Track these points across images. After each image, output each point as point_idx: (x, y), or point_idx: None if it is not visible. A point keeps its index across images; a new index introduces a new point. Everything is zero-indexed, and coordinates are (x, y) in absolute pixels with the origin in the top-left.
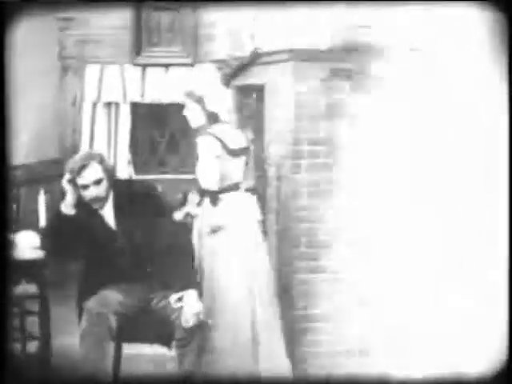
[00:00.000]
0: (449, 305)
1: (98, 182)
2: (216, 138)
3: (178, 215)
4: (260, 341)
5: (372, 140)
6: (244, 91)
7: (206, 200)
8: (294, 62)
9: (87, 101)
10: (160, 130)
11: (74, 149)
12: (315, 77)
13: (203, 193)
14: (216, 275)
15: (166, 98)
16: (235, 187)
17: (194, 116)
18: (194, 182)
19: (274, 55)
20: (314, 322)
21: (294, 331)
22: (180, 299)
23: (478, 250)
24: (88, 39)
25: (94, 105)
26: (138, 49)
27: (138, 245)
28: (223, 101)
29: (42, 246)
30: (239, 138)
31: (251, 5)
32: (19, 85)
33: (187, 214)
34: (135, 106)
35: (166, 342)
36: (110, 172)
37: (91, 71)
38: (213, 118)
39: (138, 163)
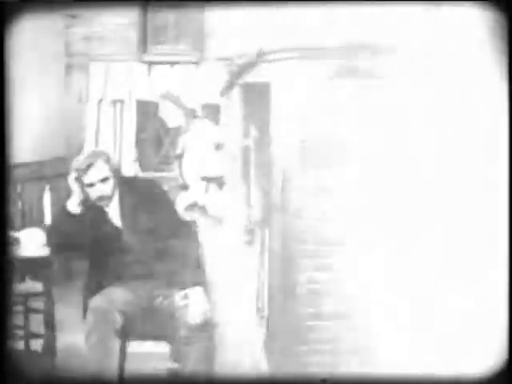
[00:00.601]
0: (449, 305)
1: (104, 181)
2: (202, 131)
3: (182, 205)
4: None
5: (375, 139)
6: (250, 89)
7: (213, 186)
8: (299, 60)
9: (93, 98)
10: (165, 128)
11: (80, 146)
12: (321, 75)
13: (209, 180)
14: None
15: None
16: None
17: (172, 115)
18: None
19: (279, 53)
20: (319, 321)
21: (299, 329)
22: (186, 297)
23: (478, 250)
24: (94, 37)
25: (100, 102)
26: (144, 46)
27: (143, 242)
28: (199, 97)
29: (48, 244)
30: (218, 133)
31: (257, 3)
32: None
33: (194, 204)
34: (141, 104)
35: (171, 339)
36: (115, 170)
37: (97, 69)
38: (191, 115)
39: (143, 161)
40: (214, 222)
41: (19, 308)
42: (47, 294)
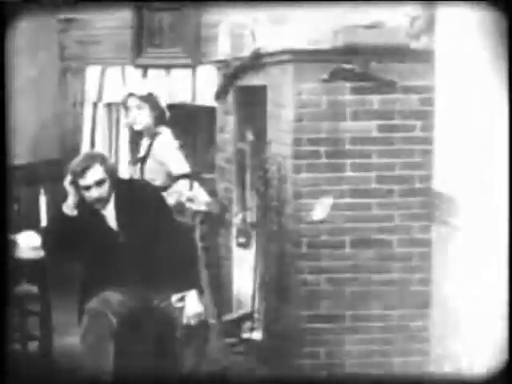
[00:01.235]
0: (448, 304)
1: (99, 183)
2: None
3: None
4: None
5: (372, 140)
6: (245, 92)
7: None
8: (295, 62)
9: (88, 101)
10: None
11: (75, 149)
12: (316, 77)
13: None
14: None
15: (167, 99)
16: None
17: (140, 118)
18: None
19: (275, 56)
20: (316, 323)
21: (296, 331)
22: (181, 299)
23: (478, 250)
24: (89, 40)
25: (95, 105)
26: (139, 49)
27: (139, 245)
28: (165, 102)
29: (43, 247)
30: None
31: (252, 5)
32: (20, 85)
33: (189, 199)
34: None
35: (167, 341)
36: (111, 173)
37: (92, 72)
38: (160, 118)
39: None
40: (209, 207)
41: (16, 310)
42: (43, 297)
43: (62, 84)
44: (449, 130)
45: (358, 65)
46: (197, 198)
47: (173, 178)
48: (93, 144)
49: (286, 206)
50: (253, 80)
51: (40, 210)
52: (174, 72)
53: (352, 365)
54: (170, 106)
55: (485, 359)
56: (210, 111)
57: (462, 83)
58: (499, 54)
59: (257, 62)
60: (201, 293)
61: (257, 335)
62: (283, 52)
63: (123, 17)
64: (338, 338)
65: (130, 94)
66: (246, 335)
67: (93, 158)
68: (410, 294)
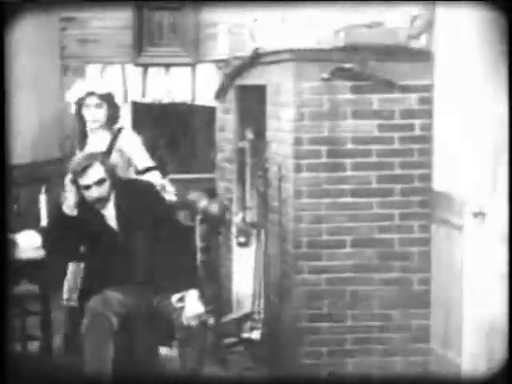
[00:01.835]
0: (449, 304)
1: (100, 183)
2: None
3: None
4: None
5: (373, 139)
6: (245, 91)
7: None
8: (295, 61)
9: None
10: (160, 130)
11: (75, 148)
12: (316, 77)
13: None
14: None
15: (166, 98)
16: None
17: (98, 116)
18: (195, 181)
19: (275, 55)
20: (316, 323)
21: (296, 331)
22: (181, 299)
23: (478, 249)
24: (89, 39)
25: None
26: (139, 48)
27: (139, 245)
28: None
29: (43, 246)
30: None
31: (252, 5)
32: (20, 84)
33: (162, 188)
34: (136, 106)
35: (167, 342)
36: (111, 172)
37: (92, 71)
38: (115, 116)
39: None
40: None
41: (16, 310)
42: (43, 297)
43: (62, 83)
44: (448, 129)
45: (357, 64)
46: (166, 187)
47: (138, 172)
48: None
49: (286, 205)
50: (253, 79)
51: (40, 209)
52: (174, 71)
53: (352, 364)
54: (170, 105)
55: (485, 359)
56: (210, 110)
57: (461, 82)
58: (499, 53)
59: (256, 61)
60: (200, 293)
61: (257, 335)
62: (283, 51)
63: (123, 16)
64: (339, 338)
65: (90, 93)
66: (246, 335)
67: (93, 158)
68: (411, 293)
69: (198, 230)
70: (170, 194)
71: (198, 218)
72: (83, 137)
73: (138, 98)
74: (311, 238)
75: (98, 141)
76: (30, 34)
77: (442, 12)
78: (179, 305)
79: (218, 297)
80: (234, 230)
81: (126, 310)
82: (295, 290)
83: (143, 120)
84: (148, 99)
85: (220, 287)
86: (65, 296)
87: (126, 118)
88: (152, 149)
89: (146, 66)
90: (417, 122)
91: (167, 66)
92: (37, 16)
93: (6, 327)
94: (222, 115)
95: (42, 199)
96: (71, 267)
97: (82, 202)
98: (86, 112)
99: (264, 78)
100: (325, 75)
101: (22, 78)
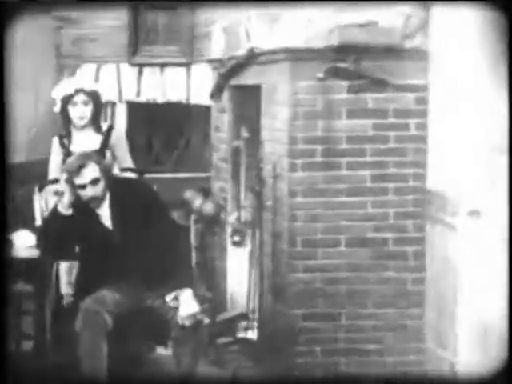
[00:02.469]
0: (445, 303)
1: (95, 182)
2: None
3: None
4: None
5: (367, 138)
6: (240, 91)
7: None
8: (290, 61)
9: None
10: (156, 129)
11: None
12: (311, 76)
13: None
14: None
15: (161, 97)
16: None
17: (81, 112)
18: (190, 180)
19: (270, 55)
20: (311, 322)
21: (291, 330)
22: (176, 299)
23: (474, 248)
24: (84, 38)
25: None
26: (134, 48)
27: (134, 244)
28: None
29: (38, 245)
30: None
31: (248, 4)
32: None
33: None
34: (131, 105)
35: (162, 341)
36: (106, 171)
37: (88, 70)
38: (99, 114)
39: (133, 162)
40: None
41: (11, 309)
42: (38, 296)
43: (57, 82)
44: (443, 129)
45: (352, 63)
46: None
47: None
48: None
49: (281, 204)
50: (248, 79)
51: (34, 209)
52: (169, 71)
53: (347, 364)
54: (165, 105)
55: (481, 359)
56: (205, 110)
57: (456, 82)
58: (498, 52)
59: (251, 60)
60: (195, 292)
61: (252, 334)
62: (278, 51)
63: (119, 16)
64: (334, 337)
65: (78, 90)
66: (240, 334)
67: (88, 157)
68: (405, 292)
69: (193, 230)
70: None
71: (193, 217)
72: (68, 135)
73: (133, 98)
74: (306, 236)
75: (84, 139)
76: (26, 34)
77: (437, 11)
78: (174, 304)
79: (212, 296)
80: (228, 229)
81: (121, 309)
82: (290, 289)
83: (138, 119)
84: (143, 99)
85: (215, 286)
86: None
87: (121, 117)
88: (147, 148)
89: (141, 66)
90: (412, 121)
91: (162, 65)
92: (33, 16)
93: (3, 326)
94: (217, 115)
95: (37, 199)
96: (65, 265)
97: (76, 202)
98: (72, 110)
99: (259, 77)
100: (320, 74)
101: (18, 77)
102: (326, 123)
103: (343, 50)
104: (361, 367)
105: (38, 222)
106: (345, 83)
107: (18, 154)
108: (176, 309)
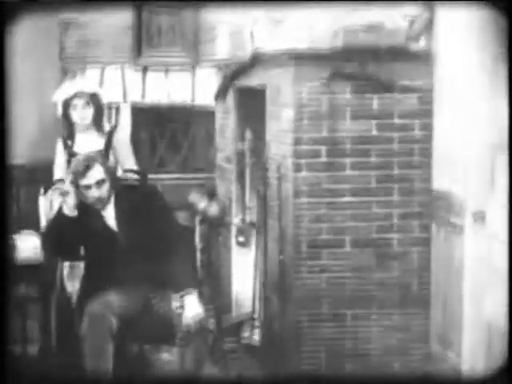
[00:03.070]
0: (448, 304)
1: (100, 183)
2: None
3: None
4: None
5: (372, 139)
6: (245, 92)
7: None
8: (294, 63)
9: None
10: (160, 131)
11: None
12: (316, 78)
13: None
14: None
15: (166, 99)
16: None
17: (82, 115)
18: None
19: (275, 56)
20: (316, 323)
21: (296, 331)
22: (181, 300)
23: (478, 249)
24: (88, 40)
25: None
26: (138, 50)
27: (139, 246)
28: (105, 101)
29: (43, 247)
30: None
31: (252, 6)
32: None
33: None
34: (136, 107)
35: (167, 344)
36: (111, 173)
37: (92, 72)
38: (100, 116)
39: (138, 164)
40: None
41: (14, 312)
42: (42, 299)
43: (61, 84)
44: (447, 130)
45: (357, 65)
46: None
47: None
48: None
49: (285, 205)
50: (252, 80)
51: (39, 210)
52: (174, 72)
53: (352, 365)
54: (170, 107)
55: (485, 359)
56: (210, 112)
57: (460, 83)
58: (499, 53)
59: (256, 62)
60: (200, 294)
61: (256, 336)
62: (283, 52)
63: (123, 18)
64: (338, 338)
65: (78, 93)
66: (245, 336)
67: (93, 159)
68: (410, 293)
69: (198, 231)
70: None
71: (198, 218)
72: (71, 137)
73: (138, 100)
74: (311, 237)
75: (86, 141)
76: (29, 35)
77: (441, 13)
78: (179, 306)
79: (217, 298)
80: (233, 230)
81: (126, 312)
82: (295, 290)
83: (143, 121)
84: (148, 101)
85: (220, 288)
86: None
87: (125, 119)
88: (151, 150)
89: (145, 68)
90: (416, 122)
91: (167, 67)
92: (36, 17)
93: (5, 329)
94: (221, 116)
95: (41, 200)
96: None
97: (81, 203)
98: (73, 112)
99: (263, 79)
100: (325, 76)
101: (21, 79)
102: (331, 124)
103: (348, 52)
104: (366, 369)
105: (43, 223)
106: (349, 84)
107: (22, 155)
108: (181, 311)
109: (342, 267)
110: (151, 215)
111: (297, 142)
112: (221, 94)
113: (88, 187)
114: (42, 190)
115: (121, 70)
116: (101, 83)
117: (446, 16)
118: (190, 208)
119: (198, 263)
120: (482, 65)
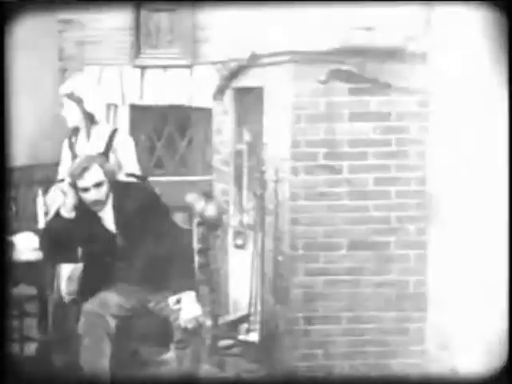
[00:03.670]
0: (446, 306)
1: (98, 185)
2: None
3: None
4: None
5: (369, 142)
6: (243, 93)
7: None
8: (293, 63)
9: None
10: (158, 132)
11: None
12: (314, 79)
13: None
14: None
15: (164, 100)
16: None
17: (72, 116)
18: (192, 183)
19: (272, 57)
20: (313, 325)
21: (293, 333)
22: (178, 301)
23: (476, 250)
24: (87, 41)
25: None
26: (136, 50)
27: (136, 247)
28: (99, 102)
29: (41, 248)
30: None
31: (250, 6)
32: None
33: None
34: (134, 108)
35: (164, 343)
36: (110, 175)
37: (90, 73)
38: (89, 118)
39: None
40: None
41: (14, 312)
42: (40, 298)
43: (60, 84)
44: (444, 131)
45: (354, 66)
46: None
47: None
48: None
49: (283, 207)
50: (250, 81)
51: (38, 211)
52: (172, 73)
53: (349, 366)
54: (168, 107)
55: (485, 359)
56: (207, 112)
57: (458, 85)
58: (498, 53)
59: (254, 62)
60: (197, 295)
61: (253, 337)
62: (281, 53)
63: (121, 18)
64: (335, 340)
65: (66, 94)
66: (242, 337)
67: (92, 160)
68: (407, 295)
69: (195, 233)
70: None
71: (196, 220)
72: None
73: (136, 100)
74: (308, 240)
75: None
76: (28, 35)
77: (439, 13)
78: (176, 307)
79: (214, 299)
80: (230, 232)
81: (124, 312)
82: (292, 292)
83: (141, 122)
84: (146, 101)
85: (217, 289)
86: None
87: (123, 119)
88: (149, 151)
89: (143, 68)
90: (413, 124)
91: (165, 67)
92: (35, 17)
93: (4, 328)
94: (219, 117)
95: (40, 201)
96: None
97: (79, 205)
98: (64, 112)
99: (261, 79)
100: (322, 77)
101: (20, 79)
102: (328, 126)
103: (345, 53)
104: (363, 370)
105: (41, 224)
106: (347, 86)
107: (20, 156)
108: (178, 311)
109: (338, 269)
110: (149, 217)
111: (294, 144)
112: (219, 95)
113: (86, 189)
114: (40, 191)
115: (119, 71)
116: (99, 84)
117: (443, 16)
118: (188, 209)
119: (196, 264)
120: (481, 65)
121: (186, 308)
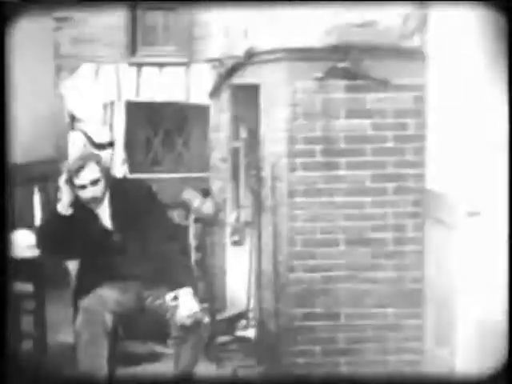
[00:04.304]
0: (444, 303)
1: (95, 182)
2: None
3: None
4: None
5: (366, 138)
6: (239, 90)
7: None
8: (288, 61)
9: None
10: (155, 129)
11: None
12: (310, 76)
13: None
14: None
15: (160, 97)
16: None
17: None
18: (189, 180)
19: (268, 54)
20: (310, 321)
21: (291, 329)
22: (175, 298)
23: (475, 248)
24: (83, 38)
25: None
26: (133, 48)
27: (133, 243)
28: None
29: (38, 245)
30: (103, 134)
31: (246, 4)
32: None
33: None
34: (130, 105)
35: (161, 340)
36: (106, 172)
37: (86, 70)
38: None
39: (132, 162)
40: None
41: (10, 309)
42: (38, 295)
43: (56, 82)
44: (442, 128)
45: (351, 63)
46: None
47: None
48: None
49: (280, 204)
50: (247, 78)
51: (34, 208)
52: (168, 70)
53: (346, 363)
54: (164, 105)
55: (484, 358)
56: (204, 110)
57: (454, 81)
58: (497, 52)
59: (250, 60)
60: (195, 291)
61: (251, 333)
62: (277, 50)
63: (117, 16)
64: (333, 336)
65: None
66: (240, 333)
67: (88, 158)
68: (404, 291)
69: (192, 229)
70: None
71: (192, 217)
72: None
73: (132, 98)
74: (305, 236)
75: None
76: (26, 34)
77: (435, 11)
78: (173, 303)
79: (212, 295)
80: (227, 228)
81: (121, 309)
82: (289, 289)
83: (137, 119)
84: (142, 98)
85: (214, 286)
86: None
87: (120, 117)
88: (145, 148)
89: (140, 66)
90: (410, 120)
91: (161, 65)
92: (33, 16)
93: (3, 326)
94: (216, 114)
95: (37, 198)
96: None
97: (76, 202)
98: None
99: (258, 77)
100: (319, 74)
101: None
102: (325, 123)
103: (342, 50)
104: (360, 367)
105: (38, 221)
106: (343, 83)
107: (17, 154)
108: (176, 308)
109: (336, 266)
110: (145, 214)
111: (291, 141)
112: (215, 92)
113: (83, 186)
114: (36, 189)
115: (115, 69)
116: (95, 81)
117: (440, 14)
118: (184, 206)
119: (193, 260)
120: (479, 63)
121: (184, 304)
